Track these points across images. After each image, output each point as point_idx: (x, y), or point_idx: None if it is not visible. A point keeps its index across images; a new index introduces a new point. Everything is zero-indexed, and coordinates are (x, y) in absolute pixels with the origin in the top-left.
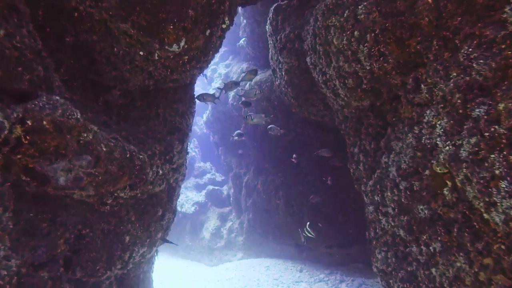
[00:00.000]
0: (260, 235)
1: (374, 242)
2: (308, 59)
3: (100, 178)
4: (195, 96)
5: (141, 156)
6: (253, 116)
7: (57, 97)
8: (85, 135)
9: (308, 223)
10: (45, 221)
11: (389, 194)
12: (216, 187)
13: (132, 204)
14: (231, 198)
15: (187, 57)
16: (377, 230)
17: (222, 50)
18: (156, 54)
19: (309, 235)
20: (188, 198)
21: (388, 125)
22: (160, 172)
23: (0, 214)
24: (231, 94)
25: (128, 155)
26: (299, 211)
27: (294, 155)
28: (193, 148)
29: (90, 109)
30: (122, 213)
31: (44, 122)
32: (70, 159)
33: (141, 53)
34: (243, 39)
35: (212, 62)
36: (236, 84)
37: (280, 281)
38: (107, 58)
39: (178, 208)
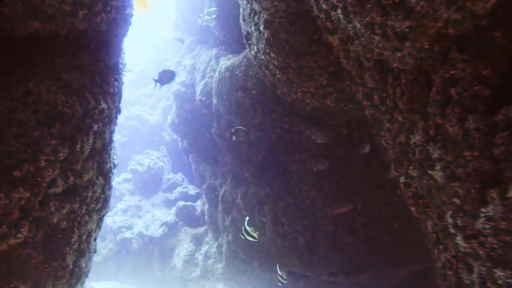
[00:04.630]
0: (243, 261)
1: None
2: None
3: None
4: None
5: None
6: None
7: None
8: None
9: (247, 218)
10: None
11: None
12: (188, 203)
13: None
14: (205, 216)
15: None
16: None
17: (188, 40)
18: None
19: (249, 237)
20: (154, 218)
21: None
22: None
23: None
24: (199, 88)
25: None
26: (292, 231)
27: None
28: (160, 157)
29: None
30: None
31: None
32: None
33: None
34: (209, 13)
35: (177, 55)
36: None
37: None
38: None
39: (143, 231)
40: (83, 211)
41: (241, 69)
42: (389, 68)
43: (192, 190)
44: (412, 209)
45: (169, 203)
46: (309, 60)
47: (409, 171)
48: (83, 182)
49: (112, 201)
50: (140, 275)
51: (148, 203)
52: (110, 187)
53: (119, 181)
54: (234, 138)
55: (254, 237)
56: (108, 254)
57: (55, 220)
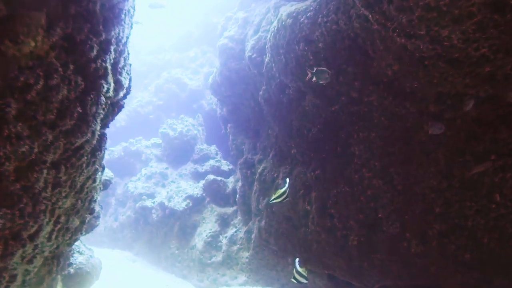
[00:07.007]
0: (275, 254)
1: None
2: None
3: None
4: None
5: None
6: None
7: None
8: None
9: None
10: None
11: None
12: (219, 178)
13: None
14: (237, 195)
15: None
16: None
17: None
18: None
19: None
20: (179, 189)
21: None
22: None
23: None
24: (250, 43)
25: None
26: (342, 226)
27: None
28: (195, 125)
29: None
30: None
31: None
32: None
33: None
34: None
35: (227, 11)
36: None
37: None
38: None
39: (165, 202)
40: (14, 113)
41: (308, 14)
42: None
43: (225, 166)
44: None
45: (198, 176)
46: None
47: None
48: (20, 53)
49: (137, 166)
50: (156, 250)
51: (175, 173)
52: (98, 102)
53: (148, 145)
54: (314, 80)
55: (305, 278)
56: (126, 221)
57: None
